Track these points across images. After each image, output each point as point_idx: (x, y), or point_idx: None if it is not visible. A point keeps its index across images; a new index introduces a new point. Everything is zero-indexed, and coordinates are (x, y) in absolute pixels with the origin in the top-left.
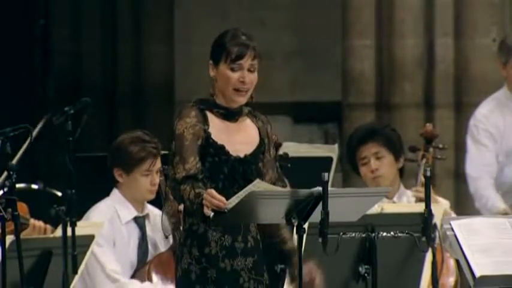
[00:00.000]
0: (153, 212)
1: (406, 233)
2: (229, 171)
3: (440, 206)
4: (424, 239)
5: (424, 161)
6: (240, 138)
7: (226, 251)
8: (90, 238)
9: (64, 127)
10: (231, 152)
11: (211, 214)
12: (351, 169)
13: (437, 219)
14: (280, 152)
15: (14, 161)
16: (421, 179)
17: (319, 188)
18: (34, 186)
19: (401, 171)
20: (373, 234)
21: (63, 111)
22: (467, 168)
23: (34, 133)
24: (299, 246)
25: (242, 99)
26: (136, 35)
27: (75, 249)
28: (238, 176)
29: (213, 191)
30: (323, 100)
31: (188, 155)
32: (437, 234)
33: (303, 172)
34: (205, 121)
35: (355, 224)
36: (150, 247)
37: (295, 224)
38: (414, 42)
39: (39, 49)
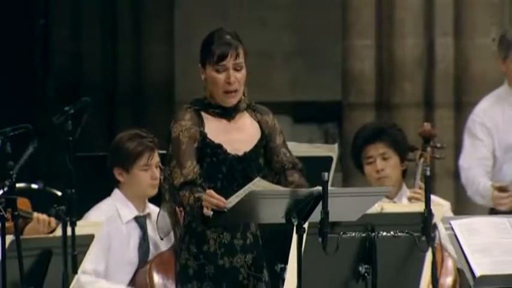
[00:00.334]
0: (155, 211)
1: (406, 233)
2: (227, 170)
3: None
4: (424, 238)
5: (421, 160)
6: (238, 136)
7: (225, 248)
8: (90, 238)
9: (64, 127)
10: (229, 151)
11: (211, 214)
12: (351, 168)
13: (437, 219)
14: None
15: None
16: (419, 179)
17: (319, 188)
18: (34, 186)
19: (403, 172)
20: (373, 234)
21: (63, 111)
22: (460, 161)
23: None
24: (299, 246)
25: (233, 100)
26: (137, 35)
27: (75, 249)
28: (237, 175)
29: (212, 192)
30: (323, 100)
31: (185, 160)
32: (437, 233)
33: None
34: (200, 122)
35: (355, 223)
36: (151, 246)
37: (295, 223)
38: (414, 42)
39: (39, 49)
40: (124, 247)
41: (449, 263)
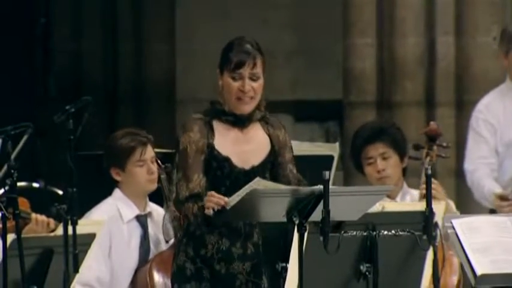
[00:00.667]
0: (157, 210)
1: (407, 232)
2: (231, 183)
3: (442, 204)
4: (425, 237)
5: (428, 159)
6: (248, 147)
7: (222, 254)
8: (91, 237)
9: (65, 126)
10: (236, 164)
11: (211, 213)
12: (352, 167)
13: (438, 218)
14: None
15: (12, 157)
16: (424, 178)
17: (320, 187)
18: (35, 185)
19: (403, 170)
20: (374, 233)
21: (64, 110)
22: (464, 163)
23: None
24: (300, 244)
25: (246, 107)
26: (137, 34)
27: (76, 248)
28: (240, 188)
29: (213, 192)
30: (324, 98)
31: (192, 173)
32: (438, 232)
33: (304, 170)
34: (210, 133)
35: (356, 222)
36: (152, 246)
37: (296, 222)
38: (415, 41)
39: (40, 48)
40: (125, 247)
41: (455, 261)
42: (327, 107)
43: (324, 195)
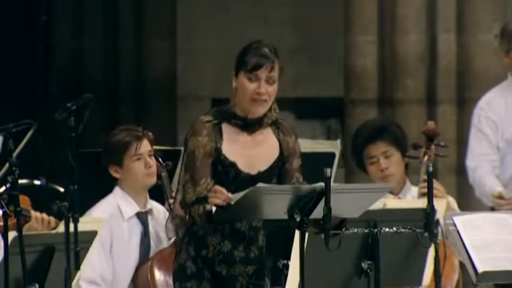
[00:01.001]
0: (157, 207)
1: (409, 229)
2: (236, 189)
3: (444, 200)
4: (426, 234)
5: (426, 158)
6: (256, 152)
7: (224, 256)
8: (92, 234)
9: (66, 123)
10: (242, 169)
11: (213, 209)
12: (353, 165)
13: (439, 215)
14: None
15: (14, 154)
16: (423, 176)
17: (322, 184)
18: (36, 182)
19: (406, 166)
20: (376, 230)
21: (66, 108)
22: (466, 160)
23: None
24: (301, 242)
25: (260, 109)
26: (138, 32)
27: (78, 245)
28: None
29: (217, 187)
30: (325, 96)
31: (199, 177)
32: (439, 229)
33: (306, 168)
34: (218, 137)
35: (357, 219)
36: (152, 243)
37: (298, 219)
38: (416, 38)
39: (41, 46)
40: (125, 244)
41: (455, 260)
42: (328, 104)
43: (325, 193)
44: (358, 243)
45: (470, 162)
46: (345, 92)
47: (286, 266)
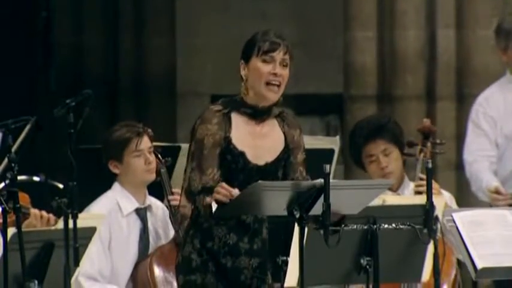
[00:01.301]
0: (156, 204)
1: (408, 225)
2: (244, 178)
3: (442, 198)
4: (425, 231)
5: (422, 155)
6: (263, 143)
7: (229, 248)
8: (91, 230)
9: (66, 119)
10: (250, 159)
11: (213, 204)
12: (353, 162)
13: (438, 211)
14: None
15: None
16: (419, 173)
17: (321, 180)
18: (36, 179)
19: (403, 163)
20: (375, 226)
21: (65, 104)
22: (464, 154)
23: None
24: (301, 238)
25: (273, 95)
26: (138, 28)
27: (77, 242)
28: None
29: (224, 184)
30: (325, 92)
31: (206, 166)
32: (438, 226)
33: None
34: (228, 126)
35: (356, 216)
36: (151, 239)
37: (297, 215)
38: (416, 34)
39: (41, 42)
40: (124, 240)
41: (453, 257)
42: (327, 100)
43: (324, 189)
44: (357, 240)
45: (467, 156)
46: (345, 88)
47: (286, 263)
